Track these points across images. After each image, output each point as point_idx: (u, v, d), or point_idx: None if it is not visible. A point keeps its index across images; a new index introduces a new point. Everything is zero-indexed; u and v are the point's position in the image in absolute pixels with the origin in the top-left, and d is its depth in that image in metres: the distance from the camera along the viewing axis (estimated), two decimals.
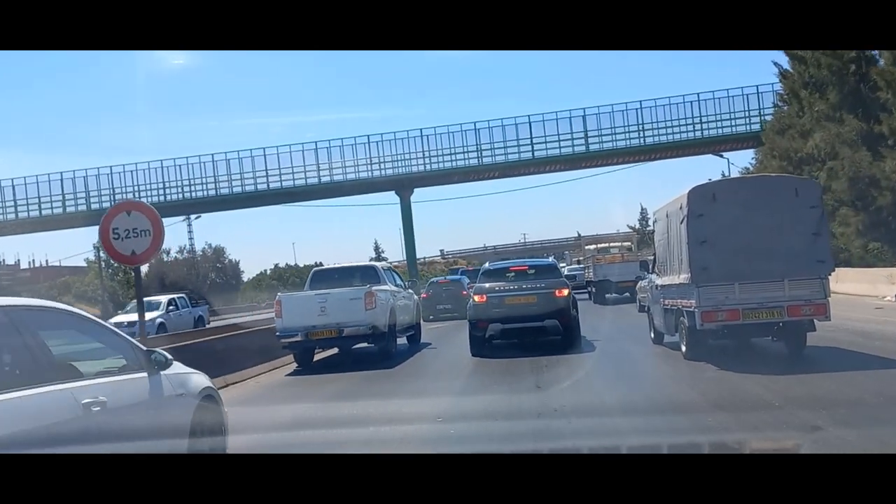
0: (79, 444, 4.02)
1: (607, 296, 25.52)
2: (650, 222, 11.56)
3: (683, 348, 10.30)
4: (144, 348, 5.25)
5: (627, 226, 59.75)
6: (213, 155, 42.96)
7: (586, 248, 32.42)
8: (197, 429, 5.23)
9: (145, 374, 4.99)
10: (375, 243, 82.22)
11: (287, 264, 68.92)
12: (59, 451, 3.67)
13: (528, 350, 11.79)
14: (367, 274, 14.00)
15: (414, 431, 6.82)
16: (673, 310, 10.74)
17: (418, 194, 43.95)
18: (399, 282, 15.13)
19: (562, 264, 28.58)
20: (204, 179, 42.81)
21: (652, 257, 12.67)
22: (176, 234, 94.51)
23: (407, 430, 6.89)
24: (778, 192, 9.54)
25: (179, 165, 42.50)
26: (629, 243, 30.97)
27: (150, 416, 4.90)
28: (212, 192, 42.85)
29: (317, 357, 13.49)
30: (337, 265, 16.89)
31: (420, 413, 7.73)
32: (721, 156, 39.95)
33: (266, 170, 42.20)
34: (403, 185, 42.61)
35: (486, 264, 15.61)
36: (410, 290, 15.75)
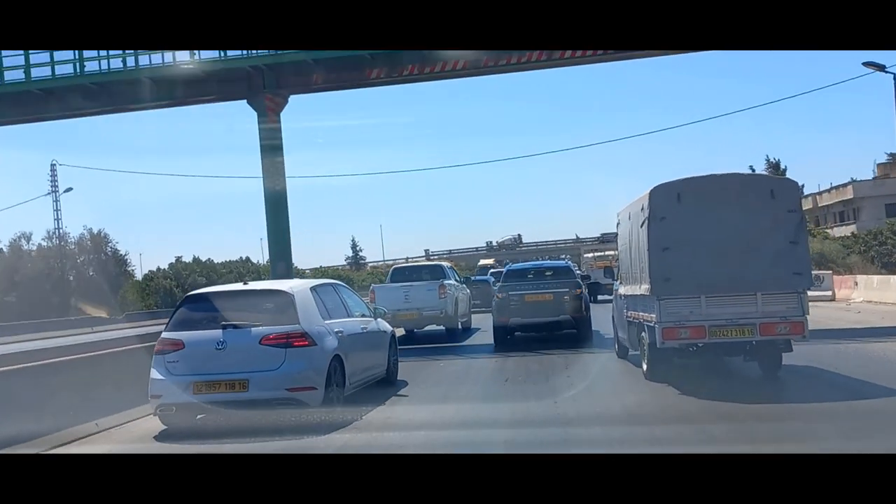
0: (361, 343, 8.57)
1: (598, 297, 28.42)
2: (615, 224, 10.71)
3: (644, 367, 9.15)
4: (373, 306, 10.68)
5: None
6: None
7: (585, 255, 35.81)
8: (390, 347, 9.71)
9: (373, 319, 9.52)
10: (353, 241, 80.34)
11: (196, 258, 53.16)
12: (342, 342, 7.97)
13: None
14: (435, 271, 17.56)
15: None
16: (636, 323, 9.59)
17: (300, 108, 22.20)
18: (458, 278, 18.68)
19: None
20: None
21: (618, 263, 11.55)
22: (42, 214, 72.20)
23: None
24: (751, 193, 8.34)
25: None
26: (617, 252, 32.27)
27: (376, 339, 9.38)
28: None
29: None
30: (412, 263, 24.55)
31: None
32: (883, 69, 22.50)
33: None
34: (262, 85, 18.56)
35: (509, 265, 17.45)
36: (464, 285, 18.87)
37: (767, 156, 48.09)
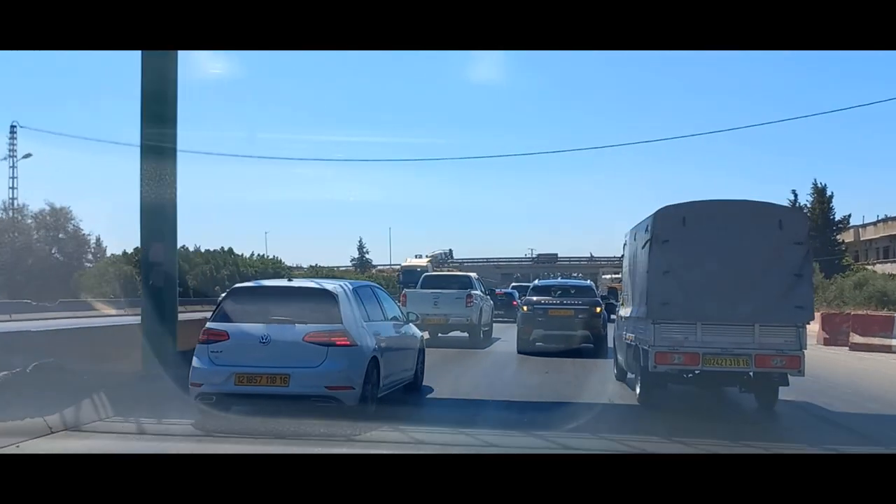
0: (395, 347, 8.71)
1: (612, 316, 29.19)
2: (622, 245, 10.65)
3: (637, 390, 9.01)
4: (406, 310, 10.46)
5: None
6: None
7: (604, 277, 38.24)
8: (420, 350, 9.99)
9: (405, 323, 9.71)
10: (360, 242, 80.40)
11: (185, 246, 45.53)
12: (382, 347, 8.19)
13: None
14: (464, 281, 18.62)
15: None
16: (633, 345, 9.45)
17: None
18: (483, 290, 19.46)
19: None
20: None
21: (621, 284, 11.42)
22: None
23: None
24: (758, 222, 8.15)
25: None
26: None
27: (407, 341, 9.53)
28: None
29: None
30: (443, 272, 27.95)
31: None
32: None
33: None
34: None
35: (536, 281, 18.94)
36: (488, 296, 19.77)
37: (815, 180, 46.81)
